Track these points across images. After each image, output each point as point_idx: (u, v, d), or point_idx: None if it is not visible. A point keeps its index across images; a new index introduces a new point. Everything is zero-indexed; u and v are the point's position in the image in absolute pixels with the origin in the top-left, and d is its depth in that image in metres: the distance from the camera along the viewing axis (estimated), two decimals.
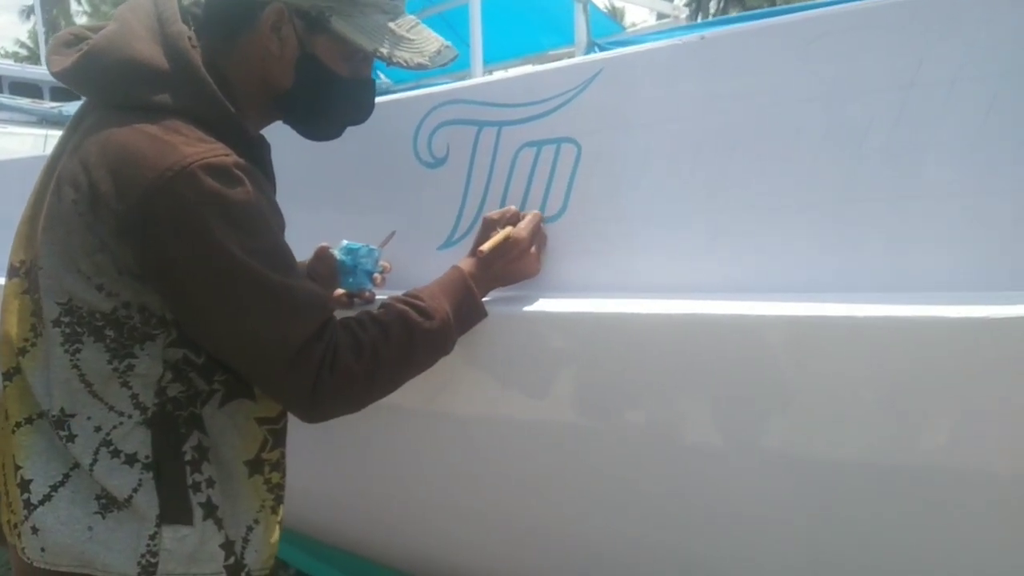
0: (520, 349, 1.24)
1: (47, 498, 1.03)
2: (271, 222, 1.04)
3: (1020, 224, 0.92)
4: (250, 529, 1.09)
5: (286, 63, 1.10)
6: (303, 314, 1.02)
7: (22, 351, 1.07)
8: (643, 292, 1.14)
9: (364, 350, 1.06)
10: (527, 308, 1.21)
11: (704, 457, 1.11)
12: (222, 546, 1.06)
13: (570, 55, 4.28)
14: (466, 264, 1.21)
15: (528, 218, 1.24)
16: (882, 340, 0.93)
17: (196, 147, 0.97)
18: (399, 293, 1.16)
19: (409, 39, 1.13)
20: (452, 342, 1.16)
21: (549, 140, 1.27)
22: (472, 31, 3.80)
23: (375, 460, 1.53)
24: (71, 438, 1.02)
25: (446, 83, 1.63)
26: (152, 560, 1.01)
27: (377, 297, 1.39)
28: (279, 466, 1.15)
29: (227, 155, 0.99)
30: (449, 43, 1.17)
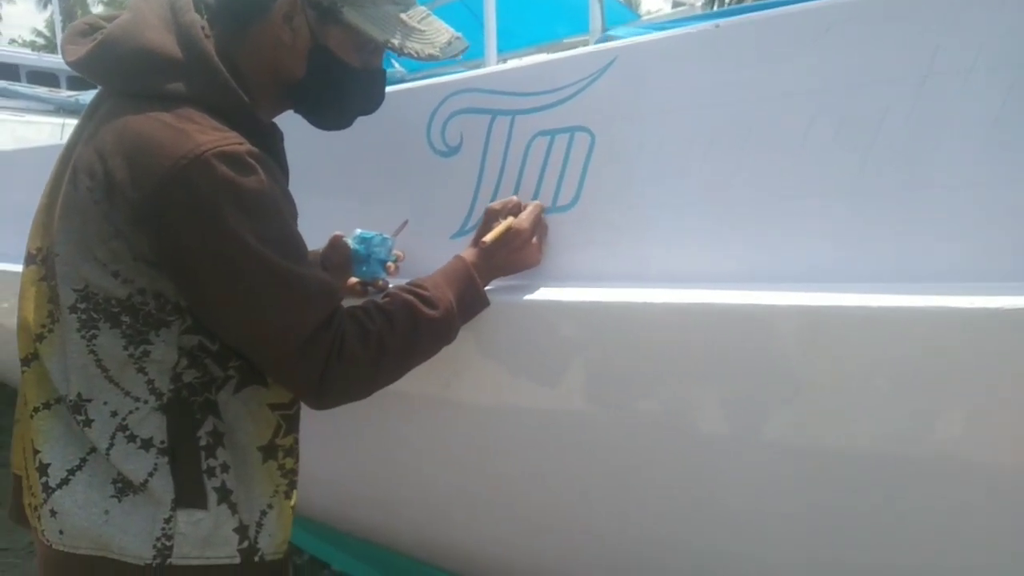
0: (533, 338, 1.24)
1: (65, 482, 1.04)
2: (284, 210, 1.05)
3: None
4: (264, 514, 1.11)
5: (298, 53, 1.11)
6: (313, 303, 1.03)
7: (39, 337, 1.08)
8: (656, 282, 1.14)
9: (370, 339, 1.07)
10: (540, 297, 1.21)
11: (713, 447, 1.11)
12: (236, 530, 1.07)
13: (585, 43, 4.26)
14: (469, 254, 1.22)
15: (529, 208, 1.25)
16: (895, 330, 0.93)
17: (210, 135, 0.98)
18: (403, 282, 1.17)
19: (420, 30, 1.13)
20: (456, 330, 1.17)
21: (562, 129, 1.26)
22: (487, 20, 3.79)
23: (385, 448, 1.53)
24: (88, 423, 1.04)
25: (460, 72, 1.62)
26: (167, 543, 1.03)
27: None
28: (292, 452, 1.16)
29: (241, 143, 1.00)
30: (460, 34, 1.17)
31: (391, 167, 1.51)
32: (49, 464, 1.05)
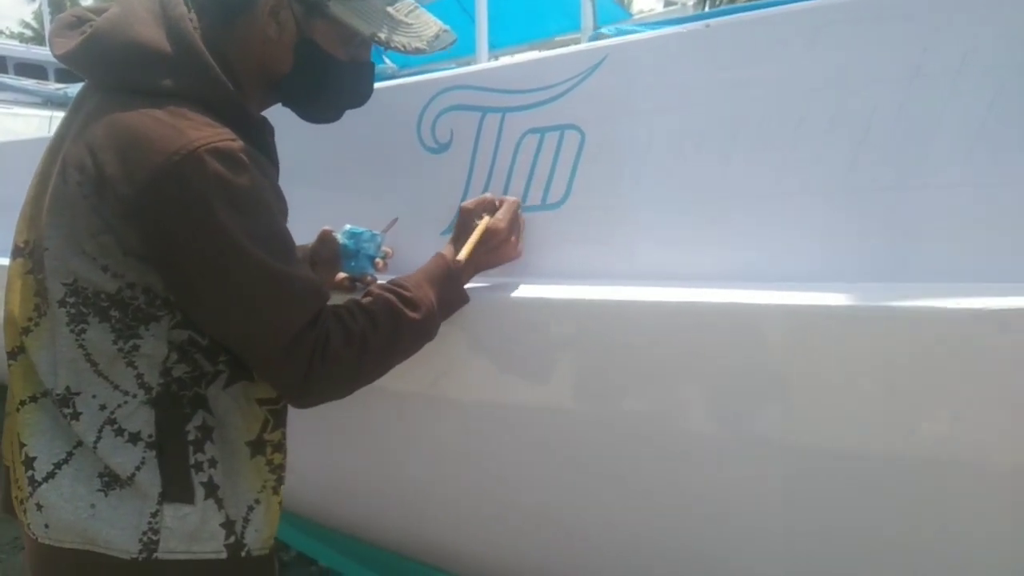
0: (521, 335, 1.24)
1: (51, 475, 1.04)
2: (274, 208, 1.05)
3: (1022, 215, 0.92)
4: (251, 509, 1.10)
5: (284, 47, 1.11)
6: (300, 303, 1.03)
7: (26, 331, 1.08)
8: (645, 280, 1.14)
9: (353, 339, 1.07)
10: (528, 295, 1.22)
11: (698, 446, 1.11)
12: (223, 525, 1.07)
13: (576, 41, 4.27)
14: (449, 252, 1.24)
15: (505, 206, 1.27)
16: (882, 330, 0.94)
17: (203, 131, 0.98)
18: (384, 281, 1.18)
19: (407, 23, 1.13)
20: (436, 328, 1.19)
21: (553, 127, 1.27)
22: (478, 17, 3.78)
23: (372, 444, 1.53)
24: (76, 416, 1.03)
25: (451, 68, 1.62)
26: (154, 538, 1.03)
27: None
28: (281, 447, 1.16)
29: (233, 140, 0.99)
30: (448, 27, 1.17)
31: (381, 163, 1.51)
32: (35, 458, 1.05)
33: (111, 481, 1.03)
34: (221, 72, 1.04)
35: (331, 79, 1.16)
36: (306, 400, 1.09)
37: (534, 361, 1.25)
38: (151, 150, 0.96)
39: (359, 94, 1.24)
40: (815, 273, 1.03)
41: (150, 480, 1.03)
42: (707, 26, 1.15)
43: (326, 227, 1.41)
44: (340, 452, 1.60)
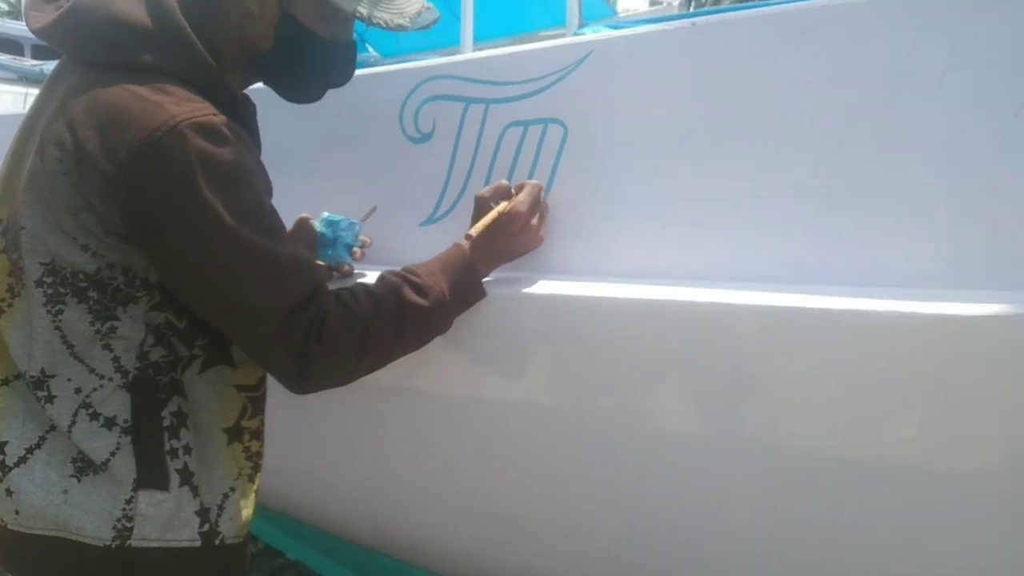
0: (498, 331, 1.24)
1: (22, 460, 1.02)
2: (259, 184, 1.03)
3: (1001, 222, 0.93)
4: (226, 497, 1.09)
5: (266, 24, 1.09)
6: (290, 281, 1.01)
7: None
8: (624, 277, 1.15)
9: (355, 322, 1.05)
10: (505, 290, 1.21)
11: (678, 444, 1.12)
12: (197, 513, 1.06)
13: (561, 36, 4.25)
14: (467, 241, 1.19)
15: (527, 189, 1.22)
16: (857, 334, 0.94)
17: (184, 106, 0.96)
18: (397, 268, 1.15)
19: (389, 0, 1.12)
20: (449, 320, 1.16)
21: (536, 120, 1.26)
22: (463, 8, 3.77)
23: (344, 437, 1.53)
24: (50, 399, 1.02)
25: (435, 59, 1.61)
26: (128, 524, 1.01)
27: (356, 272, 1.39)
28: (258, 434, 1.15)
29: (215, 115, 0.98)
30: (431, 4, 1.16)
31: (362, 150, 1.50)
32: (6, 442, 1.03)
33: (85, 467, 1.02)
34: (203, 48, 1.03)
35: (312, 56, 1.14)
36: (303, 385, 1.06)
37: (509, 357, 1.25)
38: (132, 126, 0.94)
39: (340, 73, 1.21)
40: (796, 274, 1.03)
41: (125, 466, 1.02)
42: (693, 25, 1.15)
43: (304, 214, 1.40)
44: (310, 444, 1.59)
